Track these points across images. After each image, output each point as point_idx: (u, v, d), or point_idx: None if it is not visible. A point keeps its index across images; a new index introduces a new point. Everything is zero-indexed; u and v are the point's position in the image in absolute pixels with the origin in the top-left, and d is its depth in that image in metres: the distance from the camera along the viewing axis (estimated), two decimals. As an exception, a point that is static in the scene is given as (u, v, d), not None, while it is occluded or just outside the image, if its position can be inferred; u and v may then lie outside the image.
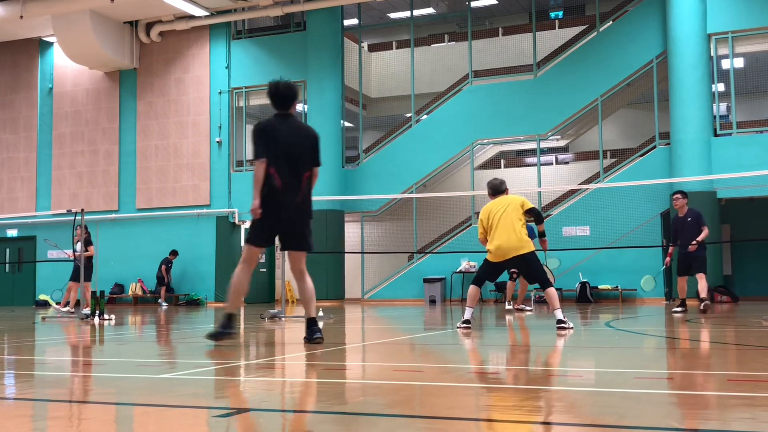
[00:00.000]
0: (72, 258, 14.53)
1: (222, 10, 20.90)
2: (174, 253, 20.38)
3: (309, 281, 6.54)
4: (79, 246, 13.74)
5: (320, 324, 7.25)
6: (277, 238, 6.55)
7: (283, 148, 6.24)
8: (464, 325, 8.11)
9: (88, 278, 13.87)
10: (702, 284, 11.56)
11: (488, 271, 8.36)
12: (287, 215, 6.29)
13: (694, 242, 11.59)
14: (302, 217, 6.37)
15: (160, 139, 21.72)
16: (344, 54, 21.17)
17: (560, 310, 7.79)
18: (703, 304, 11.46)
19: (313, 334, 6.45)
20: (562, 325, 7.74)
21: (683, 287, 11.95)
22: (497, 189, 8.60)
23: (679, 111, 17.35)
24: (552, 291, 7.99)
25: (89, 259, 14.34)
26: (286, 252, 6.57)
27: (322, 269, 19.81)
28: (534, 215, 8.25)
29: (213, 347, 6.18)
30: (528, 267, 8.16)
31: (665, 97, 18.40)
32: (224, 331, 6.28)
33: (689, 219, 11.70)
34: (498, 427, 2.96)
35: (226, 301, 6.44)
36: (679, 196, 11.94)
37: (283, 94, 6.39)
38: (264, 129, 6.31)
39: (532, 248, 8.11)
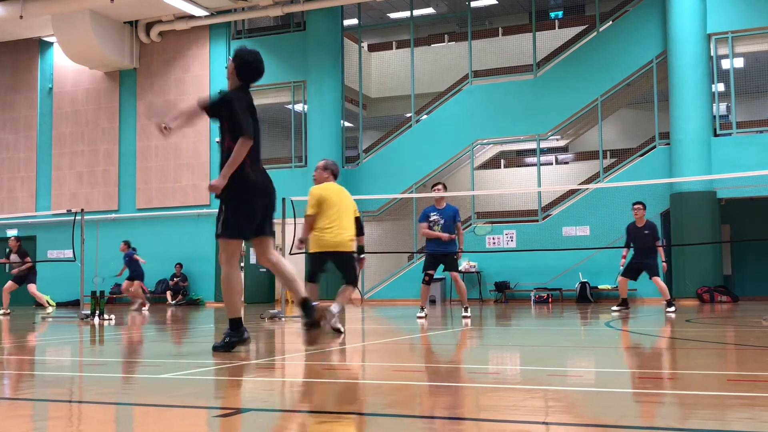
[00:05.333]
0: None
1: (222, 10, 20.90)
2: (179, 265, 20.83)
3: (284, 261, 5.91)
4: (14, 257, 14.82)
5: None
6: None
7: (257, 130, 5.69)
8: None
9: (32, 281, 15.12)
10: (660, 287, 12.01)
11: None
12: (263, 199, 5.70)
13: (664, 261, 12.42)
14: (271, 195, 5.79)
15: (160, 139, 21.69)
16: (344, 54, 21.17)
17: (338, 304, 7.84)
18: (669, 306, 11.89)
19: (311, 314, 5.79)
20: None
21: (624, 288, 12.44)
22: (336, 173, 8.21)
23: (679, 111, 17.35)
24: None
25: (30, 267, 15.24)
26: (256, 240, 5.82)
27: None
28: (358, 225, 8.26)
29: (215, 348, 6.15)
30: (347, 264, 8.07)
31: (665, 97, 18.39)
32: (232, 340, 5.64)
33: (646, 231, 12.26)
34: (498, 427, 2.96)
35: (226, 307, 5.78)
36: (639, 206, 12.45)
37: (259, 69, 5.83)
38: (250, 102, 5.72)
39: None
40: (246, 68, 5.80)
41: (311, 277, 8.06)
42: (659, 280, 11.99)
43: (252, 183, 5.61)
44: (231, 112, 5.63)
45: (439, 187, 11.08)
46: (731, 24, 17.49)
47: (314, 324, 5.84)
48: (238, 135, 5.54)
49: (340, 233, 7.87)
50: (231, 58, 5.95)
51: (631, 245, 12.29)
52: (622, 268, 12.52)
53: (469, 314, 10.88)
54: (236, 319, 5.71)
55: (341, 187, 8.15)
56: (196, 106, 5.80)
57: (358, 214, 8.31)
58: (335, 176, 8.16)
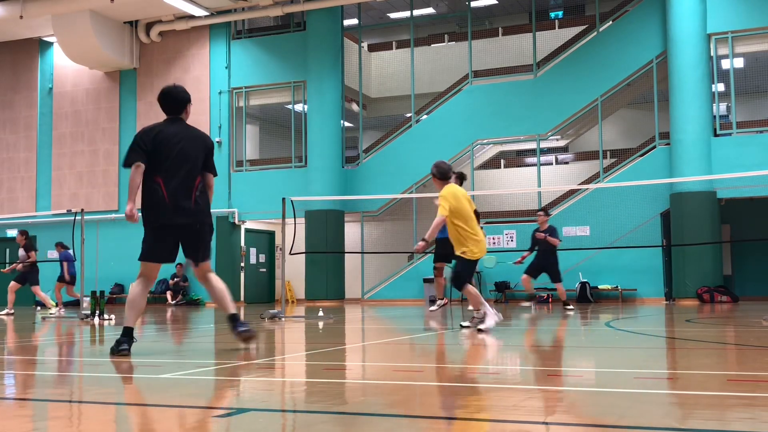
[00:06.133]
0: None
1: (222, 10, 20.90)
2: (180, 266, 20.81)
3: (216, 279, 6.18)
4: (21, 252, 14.67)
5: (320, 323, 7.26)
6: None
7: (170, 152, 5.86)
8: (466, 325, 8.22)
9: (35, 282, 14.96)
10: (560, 291, 13.18)
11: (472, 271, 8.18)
12: (180, 223, 5.89)
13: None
14: (196, 222, 5.97)
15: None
16: (344, 54, 21.17)
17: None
18: (566, 308, 12.91)
19: (239, 327, 6.02)
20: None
21: (528, 284, 13.40)
22: (447, 174, 8.23)
23: (679, 111, 17.34)
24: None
25: (32, 264, 15.02)
26: (190, 261, 6.16)
27: (322, 269, 19.82)
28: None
29: (217, 347, 6.16)
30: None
31: (665, 97, 18.39)
32: (120, 347, 5.73)
33: (547, 235, 13.19)
34: (498, 427, 2.96)
35: (125, 315, 5.96)
36: (541, 213, 13.47)
37: (175, 97, 6.05)
38: (145, 133, 5.95)
39: None
40: (162, 101, 6.11)
41: (470, 280, 8.06)
42: (560, 286, 13.09)
43: (163, 210, 5.85)
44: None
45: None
46: (731, 24, 17.49)
47: (244, 334, 6.04)
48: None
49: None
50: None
51: (536, 248, 13.30)
52: (520, 265, 13.71)
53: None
54: (128, 328, 5.88)
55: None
56: (133, 171, 5.87)
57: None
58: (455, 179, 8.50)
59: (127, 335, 5.81)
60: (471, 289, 7.95)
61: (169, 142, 5.88)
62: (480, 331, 7.65)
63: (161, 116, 6.14)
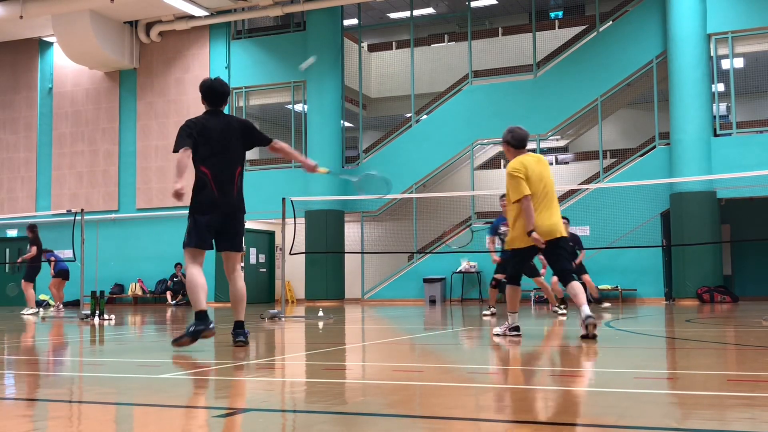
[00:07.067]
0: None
1: (222, 10, 20.89)
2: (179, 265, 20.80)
3: (240, 282, 6.37)
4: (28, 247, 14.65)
5: (321, 323, 7.25)
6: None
7: (215, 144, 6.15)
8: (515, 332, 6.87)
9: (31, 279, 14.86)
10: (543, 286, 11.84)
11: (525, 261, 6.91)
12: (222, 212, 6.16)
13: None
14: (237, 213, 6.28)
15: (160, 139, 21.71)
16: (344, 54, 21.17)
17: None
18: (562, 304, 12.00)
19: (236, 337, 6.22)
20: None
21: (559, 290, 12.15)
22: (525, 141, 6.86)
23: (679, 111, 17.34)
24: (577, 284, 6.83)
25: (33, 259, 14.92)
26: (222, 253, 6.40)
27: (322, 269, 19.82)
28: None
29: (214, 345, 6.16)
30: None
31: (665, 97, 18.39)
32: (197, 328, 5.89)
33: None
34: (498, 427, 2.96)
35: (192, 302, 6.11)
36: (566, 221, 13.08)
37: (218, 90, 6.31)
38: (192, 123, 6.20)
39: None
40: (205, 94, 6.36)
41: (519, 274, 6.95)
42: (541, 280, 11.66)
43: (210, 199, 6.17)
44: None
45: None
46: (731, 24, 17.49)
47: (237, 344, 6.19)
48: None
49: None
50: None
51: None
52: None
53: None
54: (201, 311, 6.00)
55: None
56: (180, 155, 6.07)
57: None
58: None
59: (201, 318, 5.93)
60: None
61: (213, 133, 6.15)
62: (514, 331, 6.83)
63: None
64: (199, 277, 6.11)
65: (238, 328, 6.28)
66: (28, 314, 14.09)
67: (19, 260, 15.01)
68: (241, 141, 6.29)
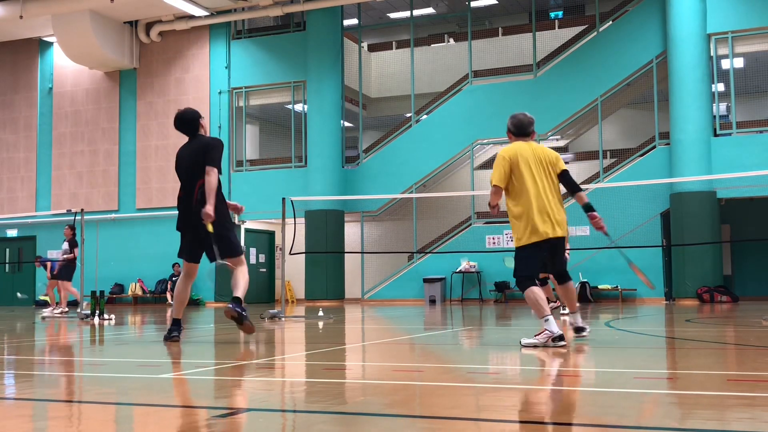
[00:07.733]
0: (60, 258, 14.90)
1: (222, 10, 20.89)
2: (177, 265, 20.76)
3: (241, 269, 6.93)
4: (65, 245, 14.32)
5: (321, 323, 7.26)
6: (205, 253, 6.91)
7: (182, 172, 6.78)
8: (559, 342, 5.96)
9: (68, 278, 14.36)
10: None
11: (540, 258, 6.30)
12: (192, 226, 6.70)
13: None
14: (200, 222, 6.55)
15: (160, 139, 21.71)
16: (344, 54, 21.17)
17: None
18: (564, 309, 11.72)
19: (232, 304, 6.63)
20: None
21: None
22: (526, 128, 6.31)
23: (679, 111, 17.34)
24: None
25: (71, 260, 14.64)
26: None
27: (322, 269, 19.81)
28: (567, 183, 6.34)
29: (213, 345, 6.16)
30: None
31: (665, 97, 18.39)
32: (171, 334, 6.79)
33: None
34: (498, 427, 2.96)
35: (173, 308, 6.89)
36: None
37: (180, 119, 6.89)
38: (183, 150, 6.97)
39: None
40: (177, 128, 7.03)
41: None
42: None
43: (182, 215, 6.89)
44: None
45: None
46: (731, 24, 17.49)
47: (232, 316, 6.65)
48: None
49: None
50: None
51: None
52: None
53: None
54: (176, 319, 6.97)
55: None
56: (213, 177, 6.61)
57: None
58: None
59: (176, 324, 6.86)
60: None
61: (182, 161, 6.82)
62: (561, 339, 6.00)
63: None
64: (182, 290, 6.94)
65: (234, 300, 6.64)
66: (55, 314, 13.73)
67: (61, 260, 14.70)
68: (202, 158, 6.67)
